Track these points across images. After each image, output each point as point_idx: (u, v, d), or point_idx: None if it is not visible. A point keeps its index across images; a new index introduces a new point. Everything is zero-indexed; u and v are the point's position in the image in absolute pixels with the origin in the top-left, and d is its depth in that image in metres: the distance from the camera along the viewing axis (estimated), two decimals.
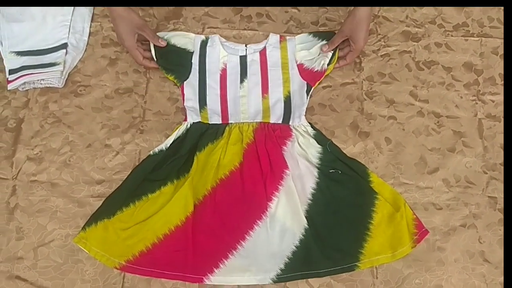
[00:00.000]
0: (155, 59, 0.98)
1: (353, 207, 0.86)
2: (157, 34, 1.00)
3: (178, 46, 0.99)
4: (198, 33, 1.03)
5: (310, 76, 0.97)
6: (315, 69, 0.97)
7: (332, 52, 0.98)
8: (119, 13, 0.90)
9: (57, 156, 0.91)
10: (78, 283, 0.81)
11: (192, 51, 0.99)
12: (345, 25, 0.92)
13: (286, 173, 0.87)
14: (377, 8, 1.07)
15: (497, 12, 1.07)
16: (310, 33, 1.01)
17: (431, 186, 0.89)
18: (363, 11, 0.89)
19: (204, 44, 1.00)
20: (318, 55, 0.98)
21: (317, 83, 0.97)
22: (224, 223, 0.84)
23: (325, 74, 0.98)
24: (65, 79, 0.97)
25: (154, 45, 0.98)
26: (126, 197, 0.86)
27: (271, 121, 0.93)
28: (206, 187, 0.86)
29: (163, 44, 0.96)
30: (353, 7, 0.90)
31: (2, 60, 0.99)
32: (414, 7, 1.07)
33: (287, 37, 1.01)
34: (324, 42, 0.99)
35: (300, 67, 0.97)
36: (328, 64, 0.97)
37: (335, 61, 0.98)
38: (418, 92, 0.98)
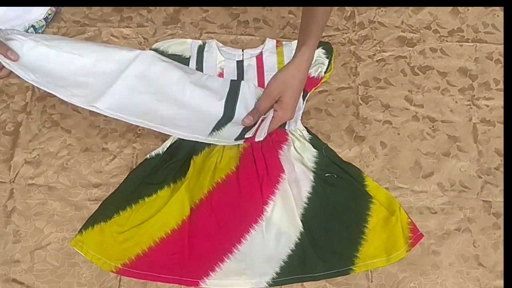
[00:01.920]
0: None
1: (349, 211, 0.86)
2: (156, 44, 1.01)
3: (175, 54, 1.00)
4: (195, 38, 1.04)
5: (307, 82, 0.97)
6: (312, 75, 0.98)
7: (328, 60, 0.99)
8: None
9: (55, 159, 0.91)
10: (74, 286, 0.81)
11: (188, 57, 1.00)
12: (273, 85, 0.79)
13: (282, 177, 0.87)
14: (372, 14, 1.08)
15: (492, 18, 1.08)
16: None
17: (426, 190, 0.90)
18: (292, 72, 0.76)
19: (201, 49, 1.01)
20: (314, 62, 0.99)
21: (313, 89, 0.98)
22: (220, 226, 0.85)
23: (321, 82, 0.99)
24: None
25: None
26: (123, 201, 0.87)
27: None
28: (203, 190, 0.87)
29: (11, 56, 0.80)
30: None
31: None
32: (409, 13, 1.08)
33: (284, 42, 1.02)
34: (320, 49, 1.00)
35: None
36: (325, 72, 0.98)
37: (332, 69, 1.00)
38: (413, 96, 0.99)
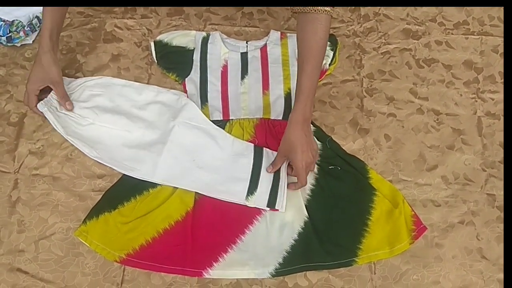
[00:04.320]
0: (155, 59, 0.99)
1: (352, 203, 0.86)
2: (160, 36, 1.01)
3: (179, 46, 1.00)
4: (199, 30, 1.04)
5: None
6: None
7: (333, 52, 0.99)
8: (41, 61, 0.87)
9: (59, 150, 0.91)
10: (78, 276, 0.82)
11: (193, 48, 1.00)
12: (281, 146, 0.84)
13: None
14: None
15: (498, 11, 1.07)
16: None
17: (430, 183, 0.90)
18: (293, 134, 0.81)
19: (205, 41, 1.01)
20: None
21: None
22: (224, 218, 0.85)
23: (326, 74, 0.98)
24: None
25: (155, 46, 0.99)
26: (127, 191, 0.87)
27: (272, 117, 0.94)
28: None
29: (69, 108, 0.90)
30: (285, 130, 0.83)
31: (4, 55, 1.01)
32: None
33: (288, 34, 1.02)
34: None
35: None
36: (329, 65, 0.98)
37: (336, 62, 0.99)
38: (418, 89, 0.99)
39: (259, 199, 0.84)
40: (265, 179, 0.86)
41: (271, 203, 0.84)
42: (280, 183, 0.85)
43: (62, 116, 0.91)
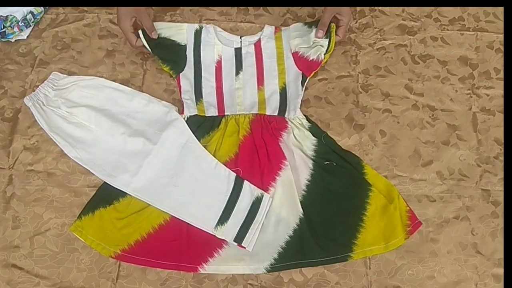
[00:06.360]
0: (148, 49, 0.97)
1: (347, 198, 0.87)
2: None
3: (171, 39, 0.98)
4: None
5: (306, 65, 0.96)
6: (311, 58, 0.96)
7: (328, 40, 0.97)
8: (120, 8, 0.90)
9: (54, 146, 0.91)
10: (73, 271, 0.82)
11: (184, 44, 0.99)
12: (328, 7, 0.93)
13: (284, 163, 0.87)
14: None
15: (493, 7, 1.07)
16: (305, 23, 1.01)
17: (425, 178, 0.90)
18: None
19: (198, 34, 1.00)
20: (313, 44, 0.97)
21: (312, 73, 0.97)
22: None
23: (321, 64, 0.98)
24: None
25: (147, 38, 0.98)
26: None
27: (267, 113, 0.93)
28: None
29: (154, 36, 0.94)
30: None
31: None
32: None
33: (283, 28, 1.01)
34: None
35: (295, 55, 0.97)
36: (324, 54, 0.97)
37: (331, 50, 0.98)
38: (413, 85, 0.99)
39: (228, 231, 0.82)
40: (239, 213, 0.84)
41: (239, 238, 0.82)
42: (254, 222, 0.83)
43: (48, 111, 0.90)
